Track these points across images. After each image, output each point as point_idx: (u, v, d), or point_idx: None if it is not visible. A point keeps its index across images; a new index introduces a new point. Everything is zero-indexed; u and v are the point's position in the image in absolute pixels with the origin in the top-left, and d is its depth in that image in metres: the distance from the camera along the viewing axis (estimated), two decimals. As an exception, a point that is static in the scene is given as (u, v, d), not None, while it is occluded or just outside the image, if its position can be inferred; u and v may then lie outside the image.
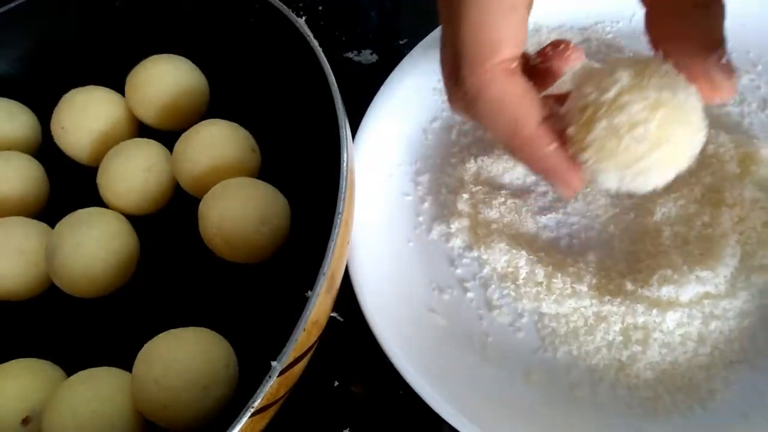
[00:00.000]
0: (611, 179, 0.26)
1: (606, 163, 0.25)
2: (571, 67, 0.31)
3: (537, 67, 0.31)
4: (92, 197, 0.40)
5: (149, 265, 0.39)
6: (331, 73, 0.35)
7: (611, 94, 0.24)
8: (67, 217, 0.37)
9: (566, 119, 0.26)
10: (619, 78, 0.24)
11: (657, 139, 0.23)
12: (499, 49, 0.25)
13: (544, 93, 0.28)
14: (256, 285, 0.38)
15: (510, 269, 0.36)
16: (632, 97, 0.23)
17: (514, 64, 0.25)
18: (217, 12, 0.44)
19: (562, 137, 0.26)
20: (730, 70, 0.24)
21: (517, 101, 0.25)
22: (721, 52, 0.24)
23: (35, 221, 0.39)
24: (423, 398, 0.31)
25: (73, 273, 0.35)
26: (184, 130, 0.40)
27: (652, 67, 0.24)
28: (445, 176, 0.40)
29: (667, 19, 0.25)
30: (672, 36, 0.25)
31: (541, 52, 0.31)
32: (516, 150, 0.27)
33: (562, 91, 0.29)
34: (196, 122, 0.40)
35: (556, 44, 0.31)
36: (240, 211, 0.35)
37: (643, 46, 0.26)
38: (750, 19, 0.41)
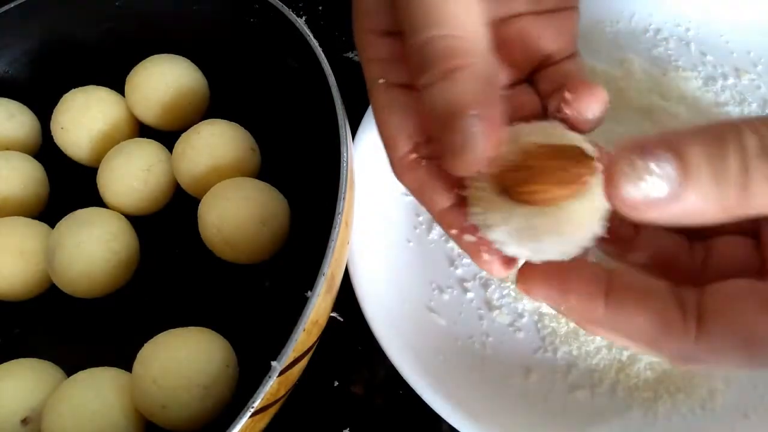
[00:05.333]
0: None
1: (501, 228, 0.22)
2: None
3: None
4: (92, 197, 0.40)
5: (149, 265, 0.39)
6: (331, 73, 0.35)
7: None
8: (67, 217, 0.37)
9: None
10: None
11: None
12: (395, 147, 0.26)
13: None
14: (256, 285, 0.38)
15: (510, 269, 0.36)
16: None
17: (413, 156, 0.26)
18: (216, 12, 0.44)
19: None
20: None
21: (418, 192, 0.26)
22: None
23: (35, 221, 0.39)
24: (423, 398, 0.31)
25: (73, 273, 0.35)
26: (184, 130, 0.40)
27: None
28: (445, 176, 0.40)
29: None
30: None
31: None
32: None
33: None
34: (196, 122, 0.40)
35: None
36: (240, 211, 0.35)
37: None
38: (750, 18, 0.41)
